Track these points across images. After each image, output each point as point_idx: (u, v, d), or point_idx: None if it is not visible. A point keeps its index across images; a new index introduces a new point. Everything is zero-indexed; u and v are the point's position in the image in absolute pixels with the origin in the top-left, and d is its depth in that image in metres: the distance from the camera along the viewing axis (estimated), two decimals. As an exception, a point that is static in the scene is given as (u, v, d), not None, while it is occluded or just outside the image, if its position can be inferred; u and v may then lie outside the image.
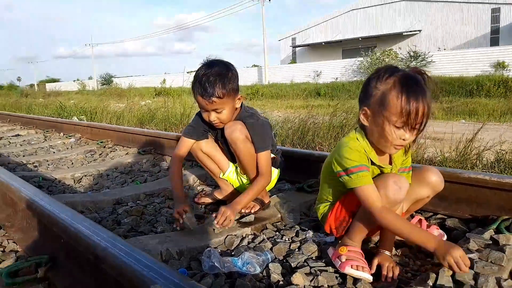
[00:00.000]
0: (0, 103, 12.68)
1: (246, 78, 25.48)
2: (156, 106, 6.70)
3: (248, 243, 1.51)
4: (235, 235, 1.55)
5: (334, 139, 3.64)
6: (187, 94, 12.58)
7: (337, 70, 22.04)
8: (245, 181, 1.89)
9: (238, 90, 1.70)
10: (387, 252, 1.28)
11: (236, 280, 1.22)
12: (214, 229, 1.56)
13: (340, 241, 1.36)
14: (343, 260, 1.23)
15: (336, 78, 21.05)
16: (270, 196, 1.90)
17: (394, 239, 1.35)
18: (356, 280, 1.20)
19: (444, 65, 18.02)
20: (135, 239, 1.49)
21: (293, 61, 29.59)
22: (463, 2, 22.36)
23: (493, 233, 1.38)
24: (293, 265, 1.31)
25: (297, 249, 1.43)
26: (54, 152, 3.82)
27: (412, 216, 1.56)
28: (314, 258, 1.38)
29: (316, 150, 3.47)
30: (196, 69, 1.69)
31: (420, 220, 1.48)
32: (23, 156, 3.70)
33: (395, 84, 1.17)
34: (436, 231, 1.45)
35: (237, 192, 1.89)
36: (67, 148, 4.03)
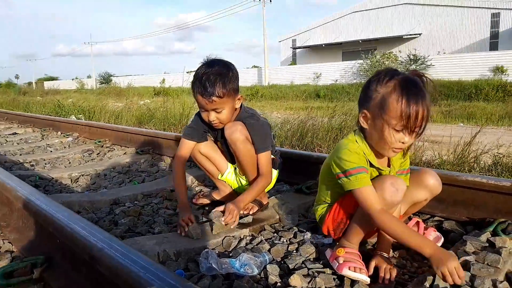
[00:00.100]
0: (-2, 101, 12.63)
1: (246, 79, 25.49)
2: (155, 105, 6.68)
3: (246, 244, 1.51)
4: (233, 236, 1.55)
5: (333, 141, 3.64)
6: (186, 94, 12.57)
7: (337, 72, 22.09)
8: (244, 182, 1.88)
9: (238, 90, 1.70)
10: (385, 254, 1.29)
11: (233, 282, 1.22)
12: (212, 230, 1.55)
13: (337, 243, 1.37)
14: (341, 261, 1.23)
15: (336, 80, 21.09)
16: (268, 197, 1.90)
17: (391, 241, 1.35)
18: (353, 282, 1.20)
19: (444, 68, 18.07)
20: (132, 239, 1.48)
21: (293, 62, 29.63)
22: (463, 7, 22.46)
23: (490, 236, 1.39)
24: (290, 266, 1.31)
25: (295, 251, 1.43)
26: (51, 151, 3.80)
27: (409, 218, 1.56)
28: (312, 259, 1.38)
29: (315, 151, 3.47)
30: (196, 68, 1.68)
31: (417, 223, 1.48)
32: (20, 155, 3.68)
33: (395, 88, 1.17)
34: (433, 233, 1.45)
35: (235, 193, 1.88)
36: (65, 147, 4.02)
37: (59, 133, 4.91)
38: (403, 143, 1.19)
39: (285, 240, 1.54)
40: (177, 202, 1.98)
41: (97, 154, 3.55)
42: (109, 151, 3.64)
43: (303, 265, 1.32)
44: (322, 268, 1.29)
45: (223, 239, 1.52)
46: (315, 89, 18.28)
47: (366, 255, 1.33)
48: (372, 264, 1.25)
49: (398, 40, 24.25)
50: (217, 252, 1.45)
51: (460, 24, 22.74)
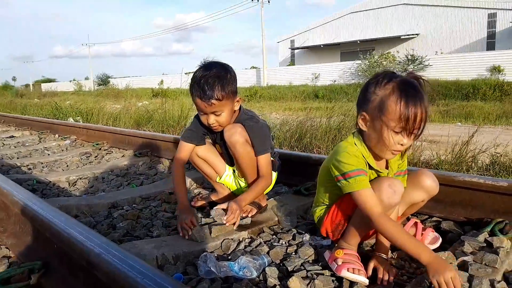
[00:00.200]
0: (-5, 103, 12.58)
1: (244, 79, 25.50)
2: (154, 107, 6.67)
3: (245, 247, 1.50)
4: (232, 239, 1.54)
5: (331, 141, 3.64)
6: (185, 96, 12.56)
7: (336, 72, 22.12)
8: (242, 184, 1.88)
9: (237, 92, 1.69)
10: (383, 255, 1.29)
11: (232, 285, 1.22)
12: (210, 233, 1.54)
13: (336, 244, 1.37)
14: (340, 263, 1.23)
15: (334, 81, 21.12)
16: (267, 199, 1.89)
17: (390, 242, 1.35)
18: (352, 283, 1.20)
19: (441, 68, 18.13)
20: (131, 243, 1.47)
21: (292, 63, 29.66)
22: (460, 7, 22.55)
23: (488, 236, 1.39)
24: (289, 268, 1.31)
25: (293, 253, 1.43)
26: (49, 154, 3.79)
27: (408, 219, 1.56)
28: (310, 261, 1.38)
29: (314, 152, 3.47)
30: (194, 71, 1.68)
31: (415, 223, 1.48)
32: (17, 158, 3.66)
33: (394, 90, 1.18)
34: (431, 234, 1.45)
35: (234, 195, 1.88)
36: (62, 150, 4.00)
37: (56, 136, 4.89)
38: (402, 145, 1.20)
39: (284, 242, 1.53)
40: (175, 205, 1.98)
41: (95, 157, 3.54)
42: (107, 153, 3.63)
43: (302, 267, 1.32)
44: (321, 270, 1.29)
45: (222, 242, 1.51)
46: (313, 89, 18.29)
47: (365, 256, 1.33)
48: (371, 265, 1.25)
49: (396, 40, 24.30)
50: (216, 255, 1.44)
51: (457, 24, 22.82)
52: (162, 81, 30.71)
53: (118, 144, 3.82)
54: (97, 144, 3.92)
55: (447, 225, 1.59)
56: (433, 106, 11.36)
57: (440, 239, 1.44)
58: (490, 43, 21.66)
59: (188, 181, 2.43)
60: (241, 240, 1.55)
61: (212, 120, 1.66)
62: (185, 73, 28.03)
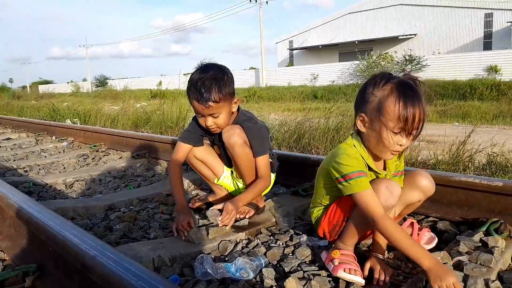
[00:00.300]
0: (-8, 106, 12.53)
1: (243, 80, 25.52)
2: (152, 108, 6.65)
3: (242, 248, 1.50)
4: (229, 240, 1.54)
5: (330, 142, 3.64)
6: (183, 97, 12.51)
7: (334, 73, 22.17)
8: (241, 186, 1.88)
9: (234, 94, 1.69)
10: (380, 256, 1.29)
11: (229, 286, 1.22)
12: (208, 235, 1.54)
13: (333, 245, 1.37)
14: (336, 263, 1.23)
15: (333, 81, 21.17)
16: (265, 200, 1.89)
17: (386, 243, 1.35)
18: (348, 284, 1.20)
19: (439, 68, 18.20)
20: (127, 246, 1.47)
21: (290, 63, 29.70)
22: (457, 7, 22.65)
23: (483, 236, 1.40)
24: (286, 269, 1.31)
25: (291, 254, 1.43)
26: (45, 156, 3.77)
27: (404, 219, 1.56)
28: (307, 262, 1.38)
29: (312, 153, 3.47)
30: (191, 74, 1.67)
31: (412, 223, 1.48)
32: (14, 160, 3.65)
33: (392, 91, 1.18)
34: (427, 234, 1.46)
35: (231, 196, 1.87)
36: (59, 152, 3.99)
37: (53, 137, 4.87)
38: (400, 145, 1.21)
39: (281, 243, 1.53)
40: (173, 207, 1.97)
41: (92, 158, 3.53)
42: (104, 155, 3.62)
43: (298, 268, 1.32)
44: (317, 270, 1.29)
45: (219, 243, 1.51)
46: (312, 90, 18.31)
47: (362, 256, 1.33)
48: (367, 265, 1.25)
49: (394, 40, 24.37)
50: (213, 256, 1.44)
51: (454, 24, 22.92)
52: (160, 82, 30.69)
53: (116, 146, 3.81)
54: (94, 146, 3.91)
55: (443, 225, 1.59)
56: (431, 106, 11.38)
57: (436, 239, 1.45)
58: (487, 43, 21.76)
59: (186, 182, 2.42)
60: (238, 241, 1.55)
61: (210, 122, 1.65)
62: (184, 74, 28.03)
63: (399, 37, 24.07)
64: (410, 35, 24.15)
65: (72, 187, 2.63)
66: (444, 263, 1.22)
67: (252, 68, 33.11)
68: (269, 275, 1.26)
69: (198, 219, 1.76)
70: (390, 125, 1.17)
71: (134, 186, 2.54)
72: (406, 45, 23.52)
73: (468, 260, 1.24)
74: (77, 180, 2.72)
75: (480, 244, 1.35)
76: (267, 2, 27.57)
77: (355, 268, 1.22)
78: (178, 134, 4.65)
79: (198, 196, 2.16)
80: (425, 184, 1.36)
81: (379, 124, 1.19)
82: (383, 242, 1.33)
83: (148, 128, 5.45)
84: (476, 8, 22.06)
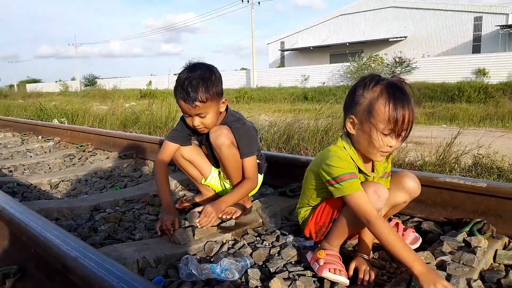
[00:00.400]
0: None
1: (234, 81, 25.47)
2: (141, 108, 6.60)
3: (228, 249, 1.49)
4: (215, 241, 1.53)
5: (319, 143, 3.66)
6: (173, 96, 12.42)
7: (325, 74, 22.28)
8: (228, 186, 1.87)
9: (222, 94, 1.68)
10: (365, 256, 1.30)
11: (213, 287, 1.21)
12: (194, 235, 1.53)
13: (319, 245, 1.37)
14: (321, 263, 1.24)
15: (324, 83, 21.27)
16: (252, 201, 1.89)
17: (372, 243, 1.36)
18: (333, 284, 1.21)
19: (428, 71, 18.45)
20: (112, 247, 1.45)
21: (282, 64, 29.77)
22: (447, 10, 23.00)
23: (466, 236, 1.41)
24: (272, 270, 1.31)
25: (276, 254, 1.43)
26: (31, 156, 3.71)
27: (389, 220, 1.57)
28: (293, 262, 1.38)
29: (301, 154, 3.47)
30: (178, 73, 1.66)
31: (397, 224, 1.49)
32: (-1, 160, 3.58)
33: (382, 92, 1.19)
34: (412, 234, 1.47)
35: (218, 197, 1.86)
36: (45, 152, 3.92)
37: (40, 137, 4.79)
38: (390, 146, 1.21)
39: (267, 244, 1.53)
40: (160, 208, 1.95)
41: (79, 159, 3.48)
42: (91, 155, 3.57)
43: (284, 269, 1.32)
44: (302, 270, 1.30)
45: (205, 244, 1.50)
46: (303, 91, 18.39)
47: (347, 257, 1.33)
48: (352, 265, 1.26)
49: (384, 42, 24.63)
50: (198, 257, 1.43)
51: (444, 27, 23.28)
52: (150, 82, 30.45)
53: (103, 146, 3.77)
54: (81, 146, 3.85)
55: (427, 225, 1.61)
56: (420, 108, 11.54)
57: (420, 240, 1.46)
58: (476, 46, 22.15)
59: (174, 183, 2.41)
60: (224, 242, 1.54)
61: (197, 122, 1.64)
62: (174, 74, 27.86)
63: (389, 40, 24.33)
64: (400, 37, 24.43)
65: (57, 187, 2.59)
66: (427, 263, 1.24)
67: (243, 68, 33.11)
68: (254, 275, 1.26)
69: (184, 220, 1.75)
70: (380, 127, 1.18)
71: (121, 186, 2.52)
72: (396, 47, 23.81)
73: (451, 260, 1.25)
74: (63, 181, 2.68)
75: (463, 244, 1.37)
76: (259, 3, 27.63)
77: (340, 268, 1.22)
78: (167, 134, 4.61)
79: (185, 197, 2.15)
80: (411, 185, 1.36)
81: (369, 126, 1.20)
82: (368, 242, 1.34)
83: (137, 128, 5.40)
84: (465, 11, 22.44)
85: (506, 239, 1.45)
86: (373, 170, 1.35)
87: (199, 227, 1.55)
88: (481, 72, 17.09)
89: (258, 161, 1.80)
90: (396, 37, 24.34)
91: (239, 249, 1.48)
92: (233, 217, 1.70)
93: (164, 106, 5.84)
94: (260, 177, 1.86)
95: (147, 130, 5.21)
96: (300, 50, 28.88)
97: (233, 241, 1.56)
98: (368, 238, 1.34)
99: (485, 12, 21.88)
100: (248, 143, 1.70)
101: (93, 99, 15.44)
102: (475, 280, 1.14)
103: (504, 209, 1.49)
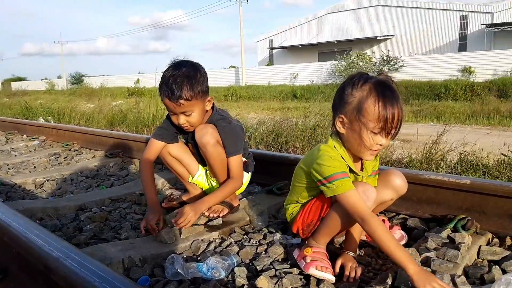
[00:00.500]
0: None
1: (223, 79, 25.38)
2: (128, 106, 6.52)
3: (215, 247, 1.49)
4: (202, 240, 1.53)
5: (307, 141, 3.67)
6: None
7: (313, 72, 22.36)
8: (214, 184, 1.86)
9: (208, 92, 1.67)
10: (351, 253, 1.31)
11: (200, 286, 1.20)
12: (180, 234, 1.52)
13: (306, 243, 1.37)
14: (308, 261, 1.24)
15: (312, 81, 21.36)
16: (239, 199, 1.88)
17: (358, 240, 1.37)
18: (319, 281, 1.21)
19: (415, 69, 18.67)
20: (97, 246, 1.43)
21: (270, 63, 29.77)
22: (434, 9, 23.31)
23: (450, 232, 1.44)
24: (258, 268, 1.31)
25: (263, 252, 1.43)
26: (15, 155, 3.63)
27: (376, 217, 1.58)
28: (280, 260, 1.38)
29: (290, 152, 3.48)
30: (163, 71, 1.64)
31: (383, 221, 1.51)
32: (-18, 159, 3.49)
33: (371, 91, 1.19)
34: (398, 232, 1.49)
35: (205, 195, 1.85)
36: (30, 151, 3.85)
37: (24, 136, 4.70)
38: (380, 145, 1.22)
39: (254, 242, 1.53)
40: (146, 207, 1.94)
41: (64, 158, 3.42)
42: (77, 154, 3.52)
43: (271, 266, 1.32)
44: (289, 268, 1.30)
45: (192, 243, 1.49)
46: (292, 89, 18.44)
47: (334, 254, 1.34)
48: (338, 263, 1.26)
49: (372, 41, 24.85)
50: (185, 256, 1.42)
51: (431, 26, 23.59)
52: (138, 80, 30.10)
53: (89, 145, 3.71)
54: (67, 145, 3.79)
55: (413, 222, 1.62)
56: (407, 106, 11.70)
57: (406, 238, 1.48)
58: (462, 45, 22.51)
59: (161, 181, 2.39)
60: (211, 240, 1.54)
61: (182, 120, 1.63)
62: (161, 72, 27.54)
63: (377, 38, 24.56)
64: (388, 35, 24.68)
65: (42, 187, 2.54)
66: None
67: (232, 66, 32.98)
68: (241, 274, 1.26)
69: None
70: (370, 126, 1.18)
71: (107, 185, 2.48)
72: (384, 45, 24.03)
73: (436, 256, 1.27)
74: (48, 180, 2.64)
75: (448, 241, 1.39)
76: (247, 1, 27.55)
77: (326, 266, 1.23)
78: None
79: (172, 196, 2.13)
80: (398, 183, 1.37)
81: (359, 125, 1.20)
82: (355, 239, 1.35)
83: (124, 127, 5.34)
84: (452, 10, 22.77)
85: (489, 235, 1.48)
86: (362, 169, 1.36)
87: (176, 227, 1.53)
88: (467, 70, 17.39)
89: (245, 159, 1.80)
90: (383, 36, 24.59)
91: (226, 247, 1.47)
92: (220, 215, 1.70)
93: (151, 104, 5.78)
94: (247, 176, 1.86)
95: (135, 128, 5.15)
96: (289, 48, 28.93)
97: (220, 240, 1.56)
98: (355, 235, 1.35)
99: (471, 11, 22.25)
100: (234, 142, 1.69)
101: (79, 97, 15.19)
102: (459, 276, 1.15)
103: (488, 206, 1.52)
